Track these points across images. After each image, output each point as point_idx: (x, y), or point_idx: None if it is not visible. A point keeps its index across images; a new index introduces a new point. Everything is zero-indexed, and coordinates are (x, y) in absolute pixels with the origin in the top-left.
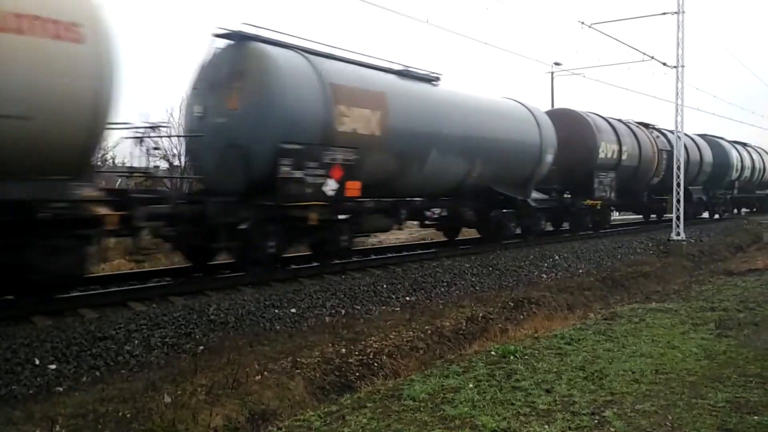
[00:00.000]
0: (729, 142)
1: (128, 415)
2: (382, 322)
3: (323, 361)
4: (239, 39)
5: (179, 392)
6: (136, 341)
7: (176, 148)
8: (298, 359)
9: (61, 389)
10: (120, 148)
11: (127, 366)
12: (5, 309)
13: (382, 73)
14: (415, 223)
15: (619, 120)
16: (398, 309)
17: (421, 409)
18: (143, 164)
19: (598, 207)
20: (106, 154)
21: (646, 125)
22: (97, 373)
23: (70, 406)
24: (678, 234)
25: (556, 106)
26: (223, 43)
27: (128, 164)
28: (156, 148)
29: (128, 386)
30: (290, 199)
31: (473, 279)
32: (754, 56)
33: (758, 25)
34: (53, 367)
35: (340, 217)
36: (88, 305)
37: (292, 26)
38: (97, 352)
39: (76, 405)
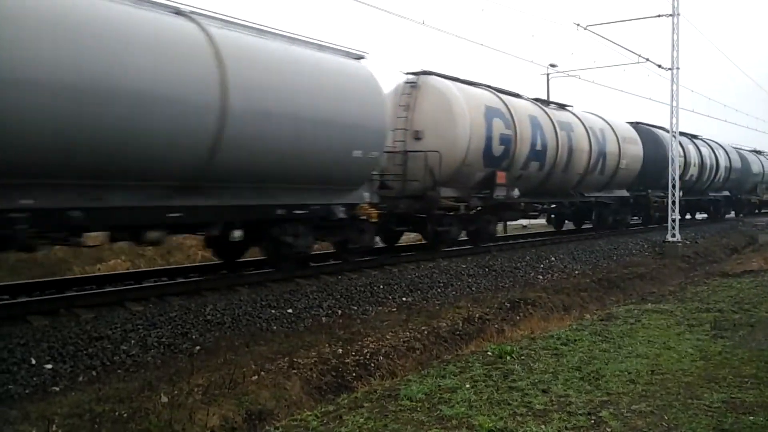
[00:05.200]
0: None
1: (125, 415)
2: (379, 322)
3: (320, 361)
4: None
5: (176, 392)
6: (133, 341)
7: None
8: (295, 359)
9: (57, 389)
10: None
11: (123, 366)
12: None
13: None
14: None
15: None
16: (395, 309)
17: (418, 409)
18: None
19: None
20: None
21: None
22: (94, 373)
23: (66, 406)
24: (673, 235)
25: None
26: None
27: None
28: None
29: (125, 386)
30: None
31: (470, 280)
32: (749, 59)
33: (753, 28)
34: (49, 366)
35: None
36: (84, 305)
37: (287, 25)
38: (94, 351)
39: (72, 405)
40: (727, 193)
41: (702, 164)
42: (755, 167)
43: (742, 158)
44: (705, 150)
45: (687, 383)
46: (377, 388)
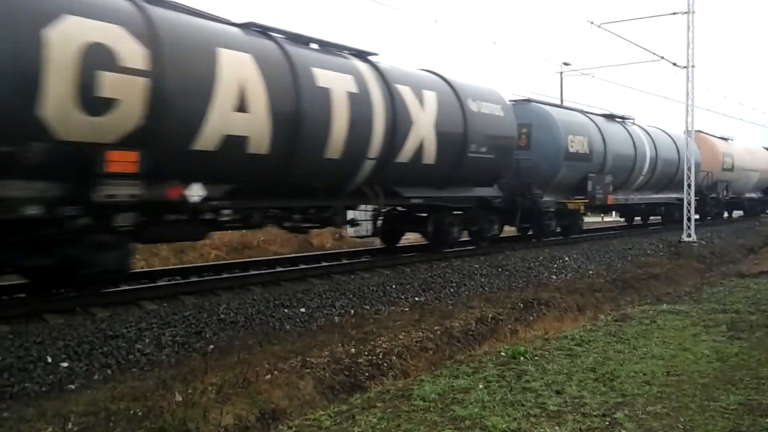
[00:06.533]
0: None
1: (139, 414)
2: (392, 322)
3: (333, 360)
4: None
5: (190, 391)
6: (147, 340)
7: None
8: (308, 359)
9: (73, 387)
10: None
11: (138, 364)
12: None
13: None
14: None
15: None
16: (407, 309)
17: (431, 409)
18: None
19: None
20: None
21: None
22: (109, 371)
23: (82, 404)
24: (689, 235)
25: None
26: None
27: None
28: None
29: (139, 384)
30: None
31: (483, 280)
32: (765, 56)
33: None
34: (65, 364)
35: None
36: (99, 304)
37: (299, 23)
38: (109, 350)
39: (87, 403)
40: (484, 191)
41: (353, 121)
42: (560, 143)
43: (539, 121)
44: (372, 91)
45: (703, 385)
46: (390, 388)
